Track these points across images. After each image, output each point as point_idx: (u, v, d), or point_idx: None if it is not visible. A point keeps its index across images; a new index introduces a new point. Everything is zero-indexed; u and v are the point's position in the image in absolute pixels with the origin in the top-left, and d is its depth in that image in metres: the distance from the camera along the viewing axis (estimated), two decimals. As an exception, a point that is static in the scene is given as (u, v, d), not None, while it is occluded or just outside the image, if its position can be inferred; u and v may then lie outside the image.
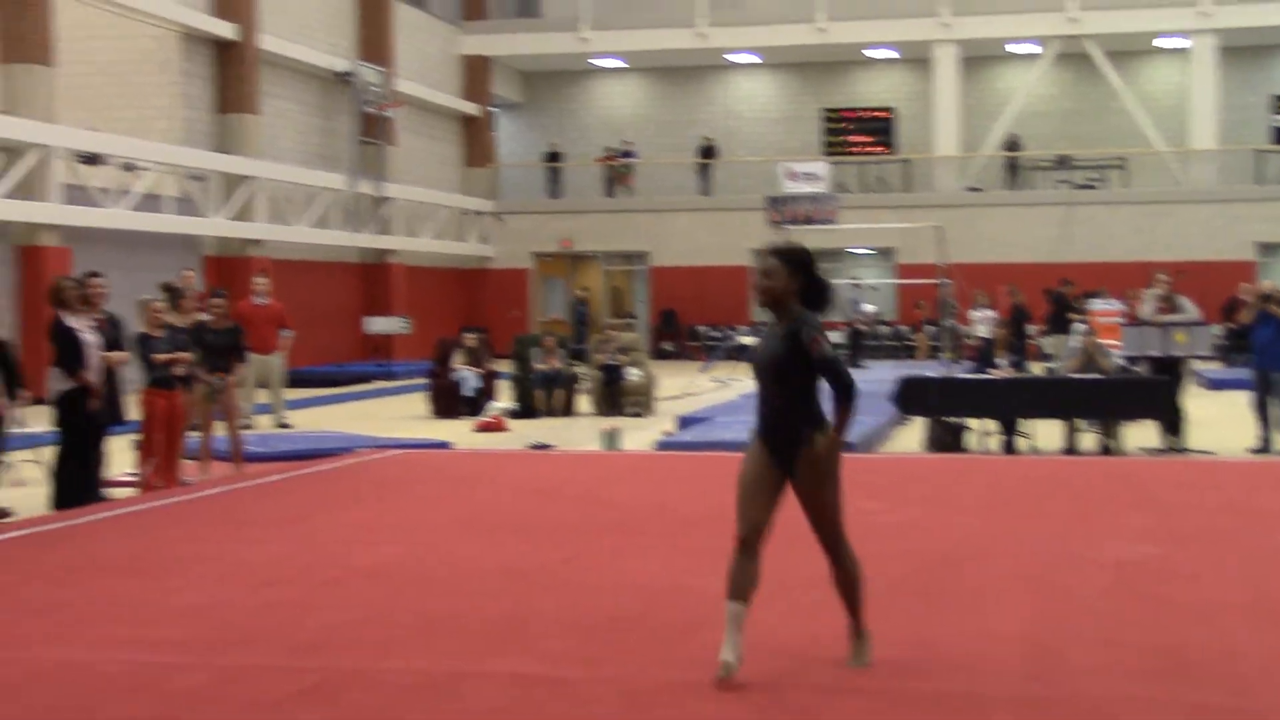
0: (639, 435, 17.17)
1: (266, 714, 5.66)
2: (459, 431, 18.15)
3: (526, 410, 20.46)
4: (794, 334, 5.93)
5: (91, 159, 23.28)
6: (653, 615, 7.23)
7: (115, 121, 25.59)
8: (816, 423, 5.96)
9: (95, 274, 12.29)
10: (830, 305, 6.14)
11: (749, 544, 5.92)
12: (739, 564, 5.91)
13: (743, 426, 15.92)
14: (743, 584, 5.90)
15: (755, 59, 39.93)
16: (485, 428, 18.65)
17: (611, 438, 15.99)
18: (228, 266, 26.87)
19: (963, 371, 21.80)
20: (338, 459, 14.41)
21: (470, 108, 38.66)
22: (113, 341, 12.02)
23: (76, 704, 5.83)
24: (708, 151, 39.01)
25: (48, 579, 8.40)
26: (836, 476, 6.02)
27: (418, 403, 21.92)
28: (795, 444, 5.94)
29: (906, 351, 34.36)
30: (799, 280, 6.01)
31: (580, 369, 21.80)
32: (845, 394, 5.89)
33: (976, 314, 26.33)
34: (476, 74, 38.99)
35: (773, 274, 6.00)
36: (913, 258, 34.41)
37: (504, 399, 21.02)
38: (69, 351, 11.47)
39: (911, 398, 15.46)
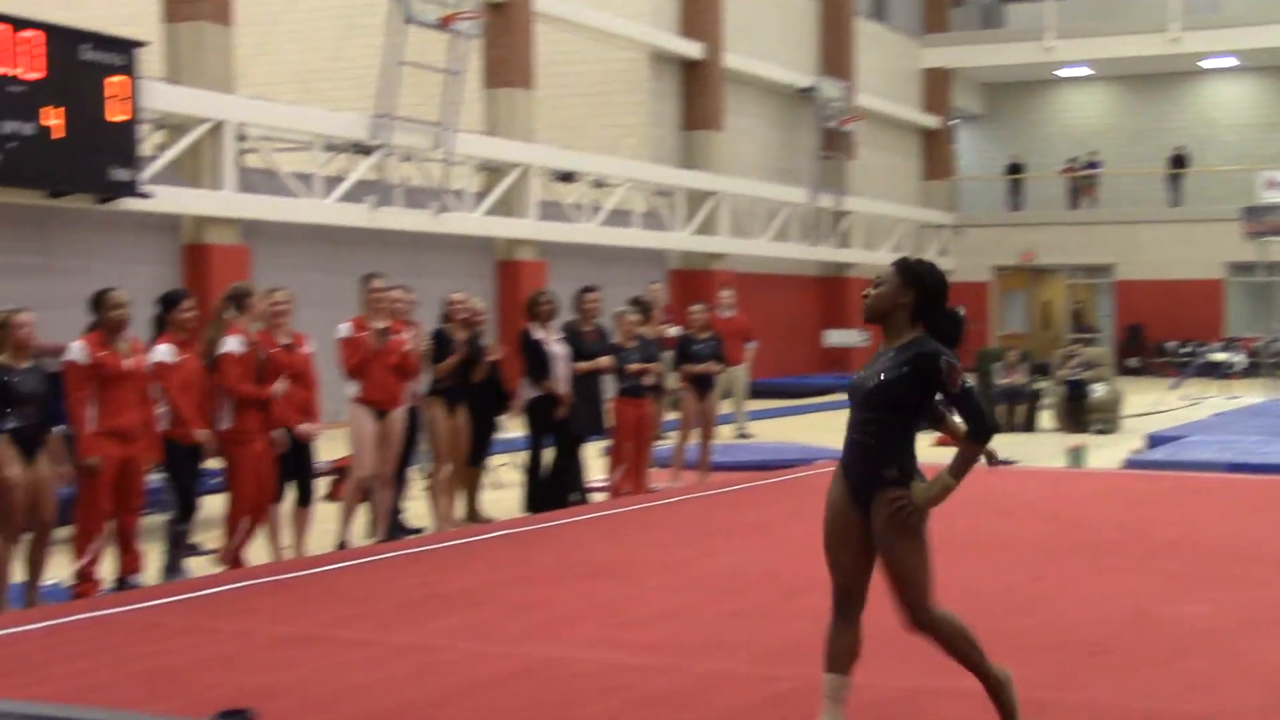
0: (1105, 453, 16.64)
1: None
2: (920, 445, 18.02)
3: (987, 425, 20.18)
4: (914, 361, 5.14)
5: (566, 177, 24.38)
6: (1129, 640, 6.99)
7: (588, 140, 26.65)
8: (903, 466, 5.27)
9: (590, 289, 12.82)
10: (958, 340, 5.27)
11: (841, 606, 5.39)
12: (833, 629, 5.37)
13: (1218, 446, 15.33)
14: (837, 653, 5.34)
15: (1232, 62, 38.12)
16: (945, 442, 18.47)
17: (1076, 455, 15.56)
18: (691, 280, 27.53)
19: None
20: (798, 470, 14.55)
21: (930, 120, 38.41)
22: (601, 351, 12.49)
23: (557, 700, 6.06)
24: (1178, 161, 37.50)
25: (529, 579, 8.80)
26: (918, 533, 5.28)
27: (876, 416, 21.91)
28: (873, 484, 5.28)
29: None
30: (911, 297, 5.20)
31: (1043, 384, 21.33)
32: (982, 433, 5.15)
33: None
34: (937, 86, 38.71)
35: (883, 283, 5.27)
36: None
37: (964, 414, 20.81)
38: (536, 362, 12.02)
39: None
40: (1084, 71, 39.64)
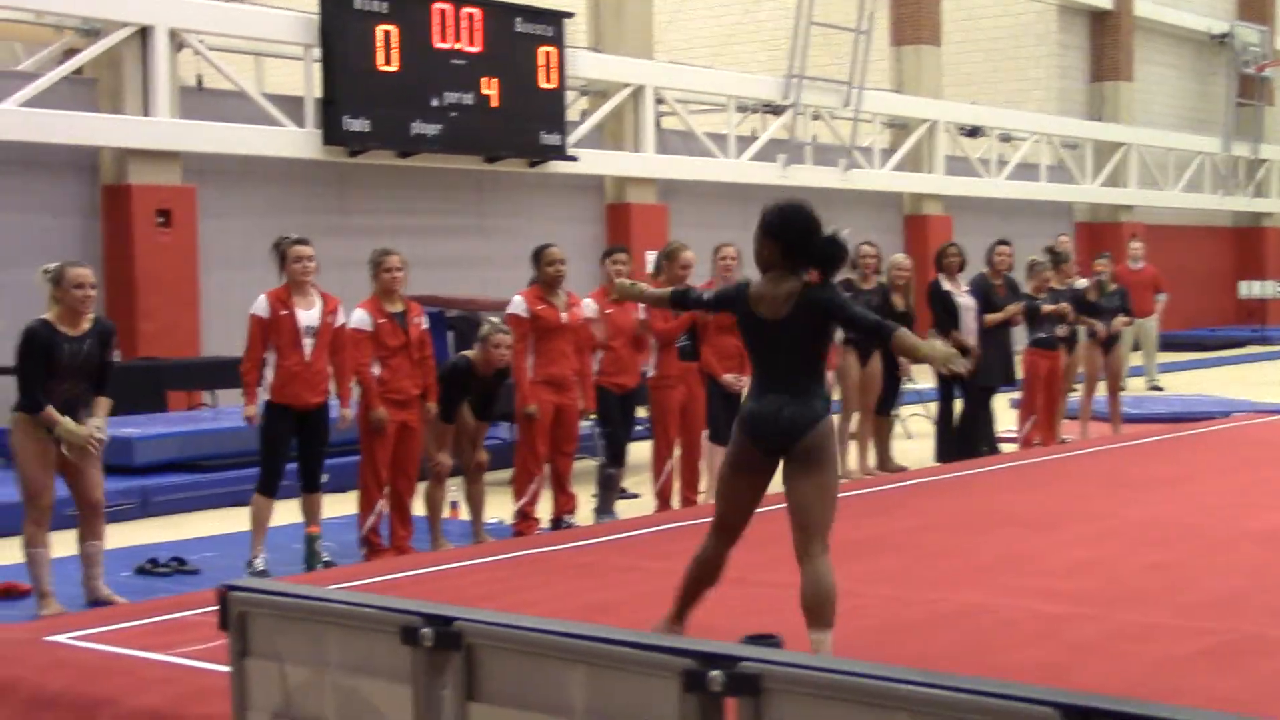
0: None
1: (1164, 672, 5.59)
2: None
3: None
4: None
5: (972, 131, 24.33)
6: None
7: (993, 95, 26.47)
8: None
9: (1003, 242, 12.89)
10: (836, 263, 5.48)
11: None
12: None
13: None
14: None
15: None
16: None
17: None
18: (1098, 232, 27.03)
19: None
20: (1215, 423, 14.26)
21: (1358, 62, 36.40)
22: (1011, 303, 12.55)
23: (978, 645, 6.09)
24: None
25: (943, 527, 8.95)
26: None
27: (1296, 369, 21.21)
28: None
29: None
30: (773, 245, 5.44)
31: None
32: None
33: None
34: (1367, 25, 36.61)
35: (757, 241, 5.53)
36: None
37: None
38: (944, 313, 12.17)
39: None
40: None
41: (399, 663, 2.86)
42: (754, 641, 2.72)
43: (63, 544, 7.83)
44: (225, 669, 5.19)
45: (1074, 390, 13.97)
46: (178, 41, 15.08)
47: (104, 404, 7.77)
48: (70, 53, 15.19)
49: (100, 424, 7.66)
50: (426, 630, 2.81)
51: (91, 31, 14.96)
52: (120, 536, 8.10)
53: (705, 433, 10.17)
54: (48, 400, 7.45)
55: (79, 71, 15.08)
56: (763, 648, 2.56)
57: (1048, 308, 12.59)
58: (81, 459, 7.60)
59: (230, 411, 12.23)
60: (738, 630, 6.35)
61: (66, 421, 7.43)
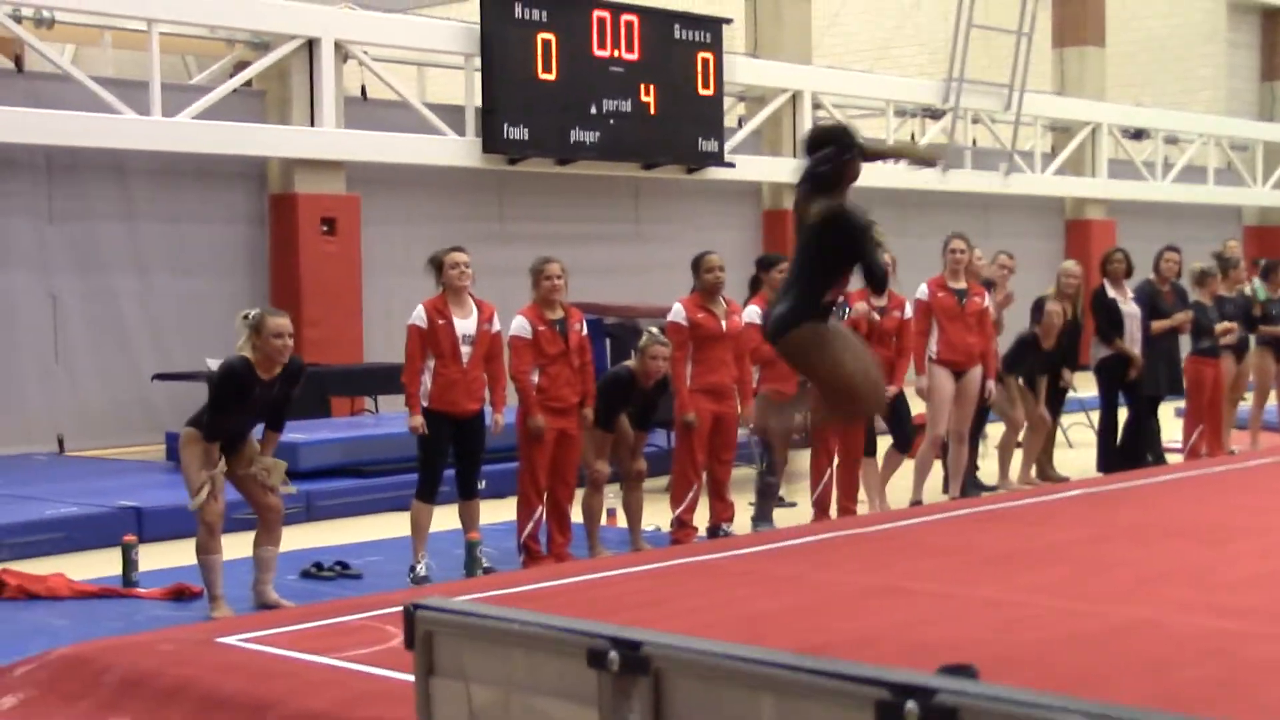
0: None
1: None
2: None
3: None
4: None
5: (1137, 134, 23.91)
6: None
7: (1159, 96, 25.97)
8: None
9: (1171, 248, 12.60)
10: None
11: None
12: None
13: None
14: None
15: None
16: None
17: None
18: (1268, 236, 26.35)
19: None
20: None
21: None
22: (1178, 310, 12.29)
23: (1149, 661, 5.91)
24: None
25: (1109, 538, 8.75)
26: None
27: None
28: None
29: None
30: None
31: None
32: None
33: None
34: None
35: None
36: None
37: None
38: (1108, 321, 11.94)
39: None
40: None
41: (586, 685, 2.84)
42: (950, 672, 2.64)
43: (232, 547, 7.99)
44: (390, 673, 5.31)
45: (1244, 399, 13.66)
46: (343, 53, 15.35)
47: (273, 439, 7.99)
48: (240, 65, 15.54)
49: (267, 460, 7.89)
50: (613, 654, 2.79)
51: (261, 45, 15.29)
52: (285, 540, 8.24)
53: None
54: (221, 429, 7.66)
55: (248, 84, 15.43)
56: (960, 679, 2.50)
57: (1220, 327, 12.31)
58: (257, 487, 7.86)
59: (391, 418, 12.41)
60: (902, 638, 6.33)
61: (214, 473, 7.63)
